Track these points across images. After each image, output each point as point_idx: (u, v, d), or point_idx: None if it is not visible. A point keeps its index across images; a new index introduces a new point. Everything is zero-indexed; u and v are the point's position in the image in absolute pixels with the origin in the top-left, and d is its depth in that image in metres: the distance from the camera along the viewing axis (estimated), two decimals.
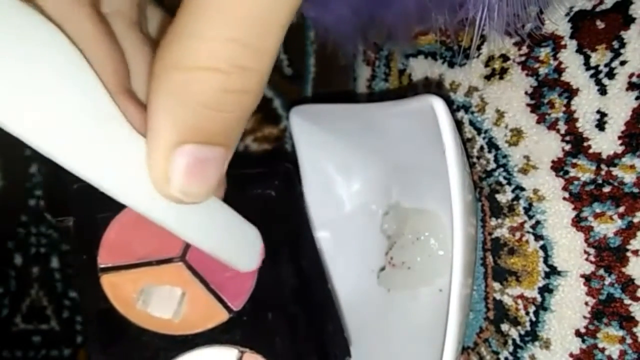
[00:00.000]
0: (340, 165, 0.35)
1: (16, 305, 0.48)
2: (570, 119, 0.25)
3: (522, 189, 0.27)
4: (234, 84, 0.14)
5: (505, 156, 0.28)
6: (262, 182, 0.31)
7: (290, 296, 0.29)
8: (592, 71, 0.24)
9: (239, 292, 0.28)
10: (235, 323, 0.27)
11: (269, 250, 0.27)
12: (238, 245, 0.23)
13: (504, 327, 0.28)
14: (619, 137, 0.23)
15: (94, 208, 0.28)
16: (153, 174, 0.15)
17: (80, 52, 0.14)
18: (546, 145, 0.26)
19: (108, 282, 0.27)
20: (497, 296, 0.28)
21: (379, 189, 0.34)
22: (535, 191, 0.26)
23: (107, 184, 0.15)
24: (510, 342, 0.28)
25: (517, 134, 0.27)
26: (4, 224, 0.48)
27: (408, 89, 0.33)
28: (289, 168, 0.32)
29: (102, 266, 0.27)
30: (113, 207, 0.28)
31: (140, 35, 0.19)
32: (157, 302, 0.27)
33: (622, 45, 0.23)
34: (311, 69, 0.40)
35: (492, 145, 0.28)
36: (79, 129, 0.14)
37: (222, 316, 0.27)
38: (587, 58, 0.25)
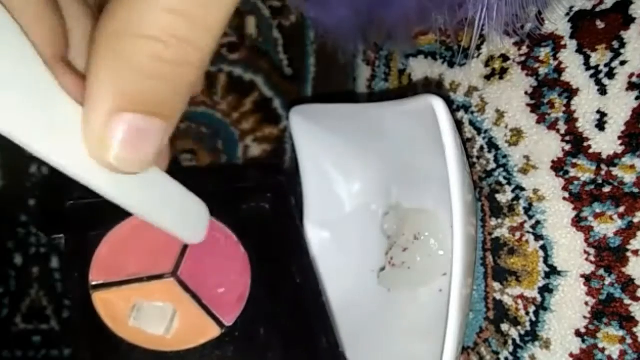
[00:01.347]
0: (340, 165, 0.35)
1: (16, 305, 0.48)
2: (570, 119, 0.25)
3: (522, 189, 0.27)
4: (172, 55, 0.14)
5: (505, 156, 0.28)
6: (256, 195, 0.31)
7: (284, 310, 0.29)
8: (592, 71, 0.24)
9: (231, 307, 0.28)
10: (227, 338, 0.28)
11: (262, 264, 0.27)
12: (182, 217, 0.23)
13: (504, 327, 0.28)
14: (619, 137, 0.23)
15: (86, 226, 0.28)
16: (90, 141, 0.15)
17: (12, 17, 0.14)
18: (546, 145, 0.26)
19: (100, 299, 0.27)
20: (497, 296, 0.28)
21: (379, 189, 0.34)
22: (535, 191, 0.26)
23: (44, 151, 0.15)
24: (510, 342, 0.28)
25: (517, 134, 0.27)
26: (4, 224, 0.48)
27: (408, 89, 0.33)
28: (282, 181, 0.32)
29: (93, 283, 0.27)
30: (105, 224, 0.28)
31: (82, 5, 0.19)
32: (149, 318, 0.27)
33: (622, 45, 0.23)
34: (311, 69, 0.40)
35: (492, 145, 0.28)
36: (13, 96, 0.14)
37: (214, 332, 0.27)
38: (587, 58, 0.25)
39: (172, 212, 0.22)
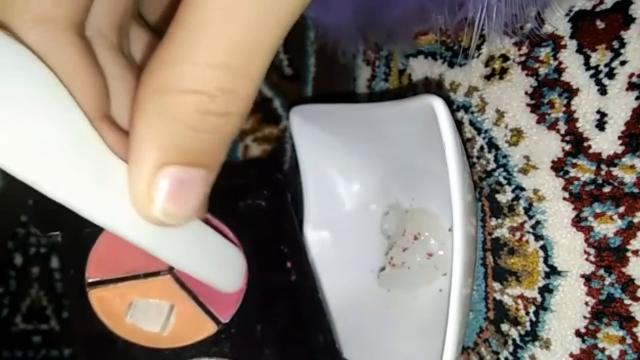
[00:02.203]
0: (340, 165, 0.35)
1: (16, 305, 0.48)
2: (570, 119, 0.25)
3: (522, 189, 0.27)
4: (218, 107, 0.14)
5: (505, 156, 0.28)
6: (253, 192, 0.31)
7: (280, 307, 0.29)
8: (592, 71, 0.24)
9: (228, 304, 0.28)
10: (223, 335, 0.27)
11: (259, 260, 0.27)
12: (220, 266, 0.24)
13: (504, 327, 0.28)
14: (619, 137, 0.23)
15: (83, 223, 0.28)
16: (135, 196, 0.15)
17: (57, 77, 0.14)
18: (546, 145, 0.26)
19: (96, 296, 0.27)
20: (497, 296, 0.28)
21: (379, 189, 0.34)
22: (535, 191, 0.26)
23: (88, 210, 0.15)
24: (510, 342, 0.28)
25: (517, 134, 0.27)
26: (4, 224, 0.48)
27: (408, 89, 0.33)
28: (279, 178, 0.32)
29: (90, 280, 0.27)
30: None
31: (121, 59, 0.19)
32: (146, 315, 0.27)
33: (622, 45, 0.23)
34: (311, 69, 0.40)
35: (492, 145, 0.28)
36: (59, 157, 0.14)
37: (211, 328, 0.27)
38: (587, 58, 0.25)
39: (212, 262, 0.22)
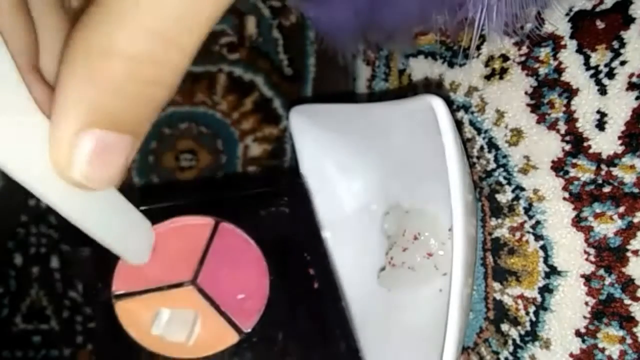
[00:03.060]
0: (340, 165, 0.35)
1: (16, 305, 0.48)
2: (570, 119, 0.25)
3: (522, 189, 0.27)
4: (147, 75, 0.14)
5: (505, 156, 0.28)
6: (275, 200, 0.31)
7: (303, 315, 0.29)
8: (592, 71, 0.24)
9: (250, 313, 0.28)
10: (245, 344, 0.28)
11: (281, 268, 0.27)
12: (131, 238, 0.23)
13: (504, 327, 0.28)
14: (619, 137, 0.23)
15: None
16: (56, 155, 0.15)
17: None
18: (546, 145, 0.26)
19: (122, 308, 0.27)
20: (497, 296, 0.28)
21: (379, 189, 0.34)
22: (535, 191, 0.26)
23: (5, 164, 0.14)
24: (510, 342, 0.28)
25: (517, 134, 0.27)
26: (4, 224, 0.48)
27: (408, 89, 0.33)
28: (301, 184, 0.32)
29: (116, 293, 0.27)
30: None
31: (59, 12, 0.18)
32: (171, 326, 0.27)
33: (622, 45, 0.23)
34: (311, 69, 0.40)
35: (492, 145, 0.28)
36: None
37: (233, 338, 0.27)
38: (587, 58, 0.25)
39: (122, 233, 0.22)
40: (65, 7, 0.19)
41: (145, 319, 0.27)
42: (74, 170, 0.15)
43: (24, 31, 0.16)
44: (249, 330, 0.28)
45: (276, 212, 0.31)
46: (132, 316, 0.27)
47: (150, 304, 0.27)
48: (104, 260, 0.28)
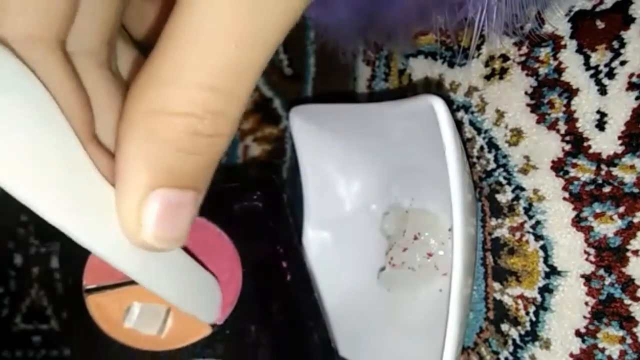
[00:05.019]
0: (340, 165, 0.35)
1: (16, 305, 0.48)
2: (570, 119, 0.25)
3: (522, 189, 0.27)
4: (206, 128, 0.14)
5: (505, 156, 0.28)
6: (247, 194, 0.31)
7: (275, 307, 0.29)
8: (592, 71, 0.24)
9: (223, 306, 0.28)
10: (217, 337, 0.28)
11: (254, 261, 0.27)
12: (201, 296, 0.24)
13: (504, 327, 0.28)
14: (619, 137, 0.23)
15: None
16: (125, 220, 0.15)
17: (51, 96, 0.14)
18: (546, 145, 0.26)
19: (94, 302, 0.27)
20: (497, 296, 0.28)
21: (379, 189, 0.34)
22: (535, 191, 0.26)
23: (76, 233, 0.15)
24: (510, 342, 0.28)
25: (517, 134, 0.27)
26: (4, 224, 0.48)
27: (408, 89, 0.33)
28: (274, 179, 0.32)
29: (87, 287, 0.28)
30: None
31: (109, 77, 0.18)
32: (143, 319, 0.27)
33: (622, 45, 0.23)
34: (311, 69, 0.40)
35: (492, 145, 0.28)
36: (50, 177, 0.14)
37: (205, 330, 0.27)
38: (587, 58, 0.25)
39: (191, 291, 0.22)
40: (111, 70, 0.19)
41: (117, 312, 0.27)
42: (144, 233, 0.15)
43: (79, 100, 0.16)
44: (222, 322, 0.28)
45: (249, 206, 0.31)
46: (104, 310, 0.27)
47: (122, 298, 0.27)
48: (75, 254, 0.28)
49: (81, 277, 0.28)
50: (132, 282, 0.27)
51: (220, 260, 0.28)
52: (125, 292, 0.27)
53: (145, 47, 0.21)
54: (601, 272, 0.24)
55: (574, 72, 0.25)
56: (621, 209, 0.23)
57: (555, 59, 0.26)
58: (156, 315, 0.27)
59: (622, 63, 0.23)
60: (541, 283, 0.26)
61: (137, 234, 0.15)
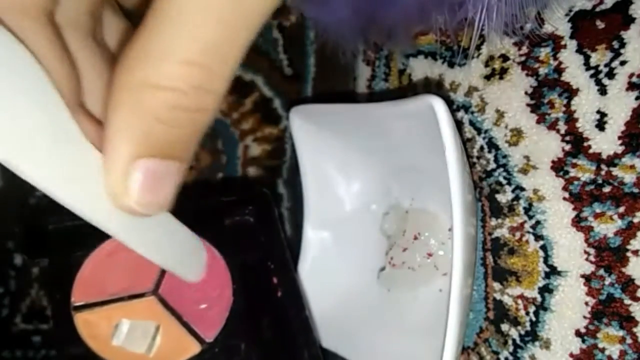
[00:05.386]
0: (340, 165, 0.35)
1: (16, 305, 0.48)
2: (570, 119, 0.25)
3: (522, 189, 0.27)
4: (190, 103, 0.15)
5: (505, 156, 0.28)
6: (240, 208, 0.31)
7: (265, 324, 0.29)
8: (592, 71, 0.24)
9: (212, 324, 0.28)
10: (206, 355, 0.28)
11: (245, 278, 0.27)
12: (187, 257, 0.24)
13: (504, 327, 0.28)
14: (619, 137, 0.23)
15: (69, 248, 0.28)
16: (111, 186, 0.16)
17: (38, 63, 0.15)
18: (546, 145, 0.26)
19: (82, 320, 0.27)
20: (497, 296, 0.28)
21: (379, 189, 0.34)
22: (535, 191, 0.26)
23: (63, 196, 0.15)
24: (510, 342, 0.28)
25: (517, 134, 0.27)
26: (4, 224, 0.48)
27: (408, 89, 0.33)
28: (266, 193, 0.32)
29: (75, 304, 0.27)
30: (88, 246, 0.29)
31: (94, 46, 0.19)
32: (131, 337, 0.27)
33: (622, 45, 0.23)
34: (311, 69, 0.40)
35: (492, 145, 0.28)
36: (38, 142, 0.14)
37: (194, 348, 0.28)
38: (587, 58, 0.25)
39: (176, 252, 0.22)
40: (98, 40, 0.20)
41: (106, 330, 0.27)
42: (129, 199, 0.16)
43: (66, 68, 0.17)
44: (211, 340, 0.28)
45: (241, 221, 0.31)
46: (92, 327, 0.27)
47: (111, 315, 0.27)
48: (64, 271, 0.28)
49: (69, 294, 0.28)
50: (121, 299, 0.27)
51: (210, 276, 0.28)
52: (114, 309, 0.27)
53: (135, 16, 0.21)
54: (601, 272, 0.24)
55: (574, 72, 0.25)
56: (621, 209, 0.23)
57: (555, 59, 0.26)
58: (145, 333, 0.27)
59: (622, 63, 0.23)
60: (541, 283, 0.26)
61: (121, 200, 0.16)
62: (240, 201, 0.31)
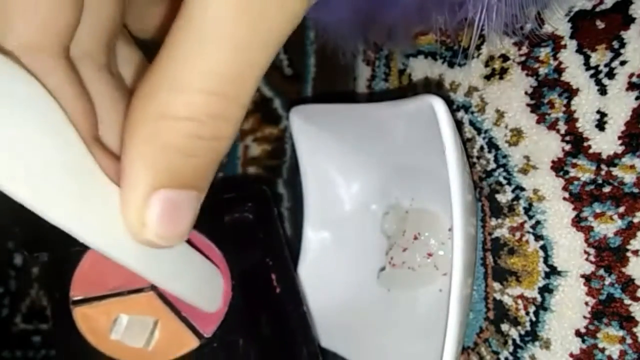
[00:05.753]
0: (340, 165, 0.35)
1: (16, 305, 0.48)
2: (570, 119, 0.25)
3: (522, 189, 0.27)
4: (208, 132, 0.15)
5: (505, 156, 0.28)
6: (239, 205, 0.31)
7: (264, 320, 0.29)
8: (592, 71, 0.24)
9: (211, 319, 0.28)
10: (205, 350, 0.28)
11: (243, 274, 0.27)
12: (203, 286, 0.24)
13: (504, 327, 0.28)
14: (619, 137, 0.23)
15: (68, 242, 0.28)
16: (129, 218, 0.16)
17: (53, 99, 0.15)
18: (546, 145, 0.26)
19: (81, 314, 0.27)
20: (497, 296, 0.28)
21: (379, 189, 0.34)
22: (535, 191, 0.26)
23: (83, 233, 0.15)
24: (510, 342, 0.28)
25: (517, 134, 0.27)
26: (4, 224, 0.48)
27: (408, 89, 0.33)
28: (265, 190, 0.32)
29: (74, 299, 0.27)
30: None
31: (109, 79, 0.19)
32: (130, 331, 0.27)
33: (622, 45, 0.23)
34: (311, 69, 0.40)
35: (492, 145, 0.28)
36: (56, 179, 0.14)
37: (193, 343, 0.27)
38: (587, 58, 0.25)
39: (194, 283, 0.22)
40: (113, 72, 0.19)
41: (104, 324, 0.27)
42: (147, 232, 0.16)
43: (83, 105, 0.17)
44: (210, 335, 0.27)
45: (240, 217, 0.31)
46: (91, 322, 0.27)
47: (109, 310, 0.27)
48: (63, 266, 0.28)
49: (68, 288, 0.28)
50: (120, 294, 0.27)
51: None
52: (113, 304, 0.27)
53: (148, 47, 0.21)
54: (601, 272, 0.24)
55: (574, 72, 0.25)
56: (621, 209, 0.23)
57: (555, 59, 0.26)
58: (143, 328, 0.27)
59: (622, 63, 0.23)
60: (541, 283, 0.26)
61: (140, 233, 0.16)
62: (239, 198, 0.31)
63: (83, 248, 0.28)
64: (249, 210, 0.31)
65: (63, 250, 0.28)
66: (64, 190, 0.15)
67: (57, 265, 0.29)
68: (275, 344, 0.29)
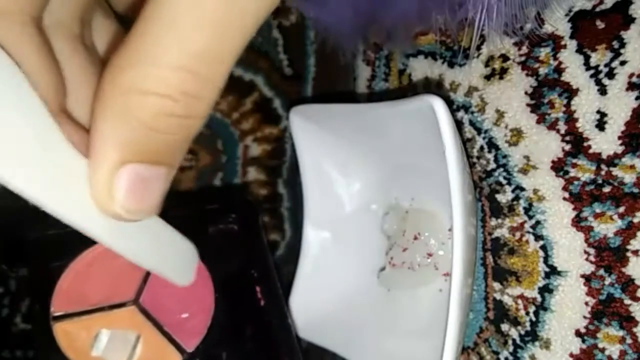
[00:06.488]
0: (340, 165, 0.35)
1: (16, 305, 0.48)
2: (570, 119, 0.25)
3: (522, 189, 0.27)
4: (180, 110, 0.15)
5: (505, 156, 0.28)
6: (224, 216, 0.31)
7: (248, 333, 0.29)
8: (592, 71, 0.24)
9: (194, 333, 0.28)
10: None
11: (228, 286, 0.27)
12: (176, 261, 0.24)
13: (504, 327, 0.28)
14: (619, 137, 0.23)
15: (49, 257, 0.28)
16: (97, 192, 0.15)
17: (19, 68, 0.14)
18: (546, 145, 0.26)
19: (61, 330, 0.27)
20: (497, 296, 0.28)
21: (379, 189, 0.34)
22: (535, 191, 0.26)
23: (48, 203, 0.15)
24: (510, 342, 0.28)
25: (517, 134, 0.27)
26: (4, 224, 0.48)
27: (408, 89, 0.33)
28: (250, 201, 0.32)
29: (55, 314, 0.27)
30: (68, 255, 0.28)
31: (83, 52, 0.19)
32: (111, 347, 0.27)
33: (622, 45, 0.23)
34: (311, 69, 0.40)
35: (492, 145, 0.28)
36: (21, 149, 0.14)
37: (175, 358, 0.27)
38: (587, 58, 0.25)
39: (165, 256, 0.22)
40: (87, 44, 0.19)
41: (85, 340, 0.27)
42: (115, 204, 0.15)
43: (51, 73, 0.17)
44: (192, 349, 0.27)
45: (225, 228, 0.31)
46: (71, 338, 0.27)
47: (91, 325, 0.27)
48: (43, 281, 0.28)
49: (49, 304, 0.27)
50: (102, 309, 0.27)
51: (192, 285, 0.28)
52: (94, 319, 0.27)
53: (127, 20, 0.21)
54: (601, 272, 0.24)
55: (574, 72, 0.25)
56: (621, 209, 0.23)
57: (555, 59, 0.26)
58: (125, 343, 0.27)
59: (622, 63, 0.23)
60: (541, 283, 0.26)
61: (108, 206, 0.16)
62: (224, 209, 0.31)
63: (63, 263, 0.28)
64: (233, 222, 0.31)
65: (43, 266, 0.28)
66: (29, 160, 0.14)
67: (37, 281, 0.28)
68: (259, 356, 0.29)
